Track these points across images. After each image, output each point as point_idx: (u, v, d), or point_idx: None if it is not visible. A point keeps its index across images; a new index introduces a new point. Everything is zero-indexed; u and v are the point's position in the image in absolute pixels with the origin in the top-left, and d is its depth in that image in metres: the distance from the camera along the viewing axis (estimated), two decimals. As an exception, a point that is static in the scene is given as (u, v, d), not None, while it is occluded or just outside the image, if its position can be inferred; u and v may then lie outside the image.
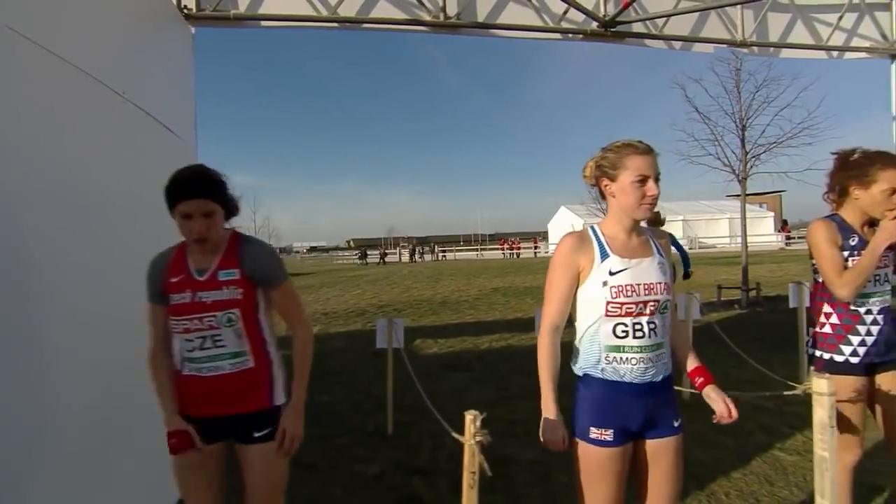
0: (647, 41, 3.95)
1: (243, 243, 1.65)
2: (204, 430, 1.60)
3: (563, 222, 42.36)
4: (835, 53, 4.38)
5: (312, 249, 77.20)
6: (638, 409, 1.48)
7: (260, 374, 1.63)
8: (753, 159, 9.05)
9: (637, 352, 1.46)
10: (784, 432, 3.43)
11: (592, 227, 1.60)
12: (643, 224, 1.64)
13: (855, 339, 1.97)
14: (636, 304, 1.46)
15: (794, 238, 31.60)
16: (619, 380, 1.47)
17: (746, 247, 9.56)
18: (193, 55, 3.54)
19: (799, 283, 4.71)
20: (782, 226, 35.24)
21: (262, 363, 1.64)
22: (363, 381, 5.19)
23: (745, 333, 6.72)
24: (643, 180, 1.48)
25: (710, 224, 37.79)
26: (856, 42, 4.44)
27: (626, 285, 1.46)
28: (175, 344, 1.67)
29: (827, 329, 2.05)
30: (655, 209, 1.57)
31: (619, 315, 1.46)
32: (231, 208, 1.65)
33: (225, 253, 1.61)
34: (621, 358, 1.47)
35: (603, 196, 1.61)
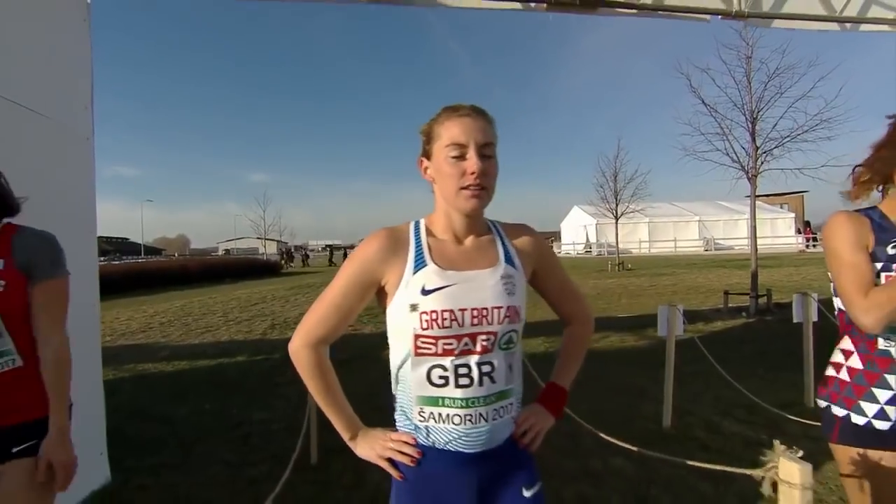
0: (622, 10, 3.36)
1: (19, 233, 1.42)
2: None
3: (575, 222, 41.77)
4: (849, 25, 3.73)
5: (328, 247, 77.95)
6: (468, 488, 1.07)
7: (31, 375, 1.37)
8: (765, 155, 8.33)
9: (462, 406, 1.03)
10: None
11: (417, 224, 1.14)
12: (495, 220, 1.19)
13: (882, 395, 1.32)
14: (457, 338, 1.01)
15: (817, 240, 30.35)
16: (441, 447, 1.05)
17: (756, 249, 8.83)
18: (90, 25, 3.08)
19: (805, 293, 4.07)
20: (805, 227, 33.80)
21: (33, 364, 1.38)
22: (314, 394, 4.72)
23: (748, 346, 6.07)
24: (460, 150, 1.04)
25: (729, 225, 36.56)
26: (875, 12, 3.78)
27: (442, 311, 1.01)
28: None
29: (844, 374, 1.42)
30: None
31: (435, 354, 1.02)
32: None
33: None
34: (440, 415, 1.04)
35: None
